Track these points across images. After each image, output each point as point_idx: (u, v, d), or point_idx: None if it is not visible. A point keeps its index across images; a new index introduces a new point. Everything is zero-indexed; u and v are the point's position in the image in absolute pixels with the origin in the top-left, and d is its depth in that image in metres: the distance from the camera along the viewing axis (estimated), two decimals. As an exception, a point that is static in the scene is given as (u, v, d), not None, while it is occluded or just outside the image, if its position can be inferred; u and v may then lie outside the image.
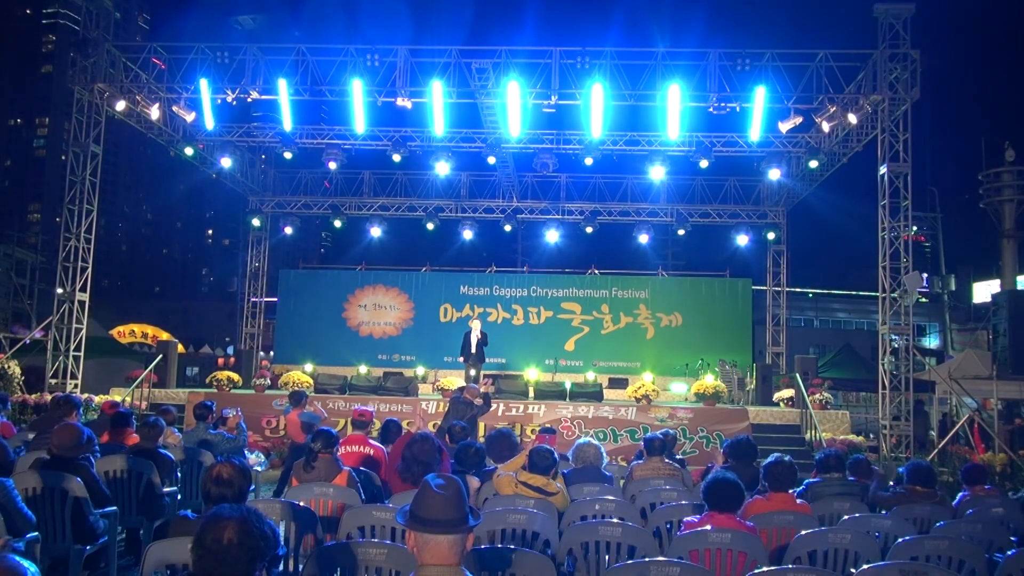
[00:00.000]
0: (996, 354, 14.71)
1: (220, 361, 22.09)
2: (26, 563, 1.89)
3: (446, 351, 17.56)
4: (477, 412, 9.24)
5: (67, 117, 14.99)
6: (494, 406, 12.54)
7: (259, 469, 8.28)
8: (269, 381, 14.50)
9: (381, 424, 7.22)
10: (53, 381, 13.28)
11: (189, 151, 15.72)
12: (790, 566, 3.75)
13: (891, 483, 6.33)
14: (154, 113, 14.43)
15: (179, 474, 6.54)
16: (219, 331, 38.83)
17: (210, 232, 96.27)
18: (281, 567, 3.84)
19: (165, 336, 26.38)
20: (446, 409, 9.34)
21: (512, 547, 3.46)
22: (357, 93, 13.13)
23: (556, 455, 5.16)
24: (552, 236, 19.06)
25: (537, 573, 3.27)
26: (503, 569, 3.27)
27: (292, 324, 19.14)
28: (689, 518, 4.17)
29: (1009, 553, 3.90)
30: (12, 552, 2.09)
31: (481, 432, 12.16)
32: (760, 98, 12.73)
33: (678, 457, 7.64)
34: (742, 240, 18.14)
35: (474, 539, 2.41)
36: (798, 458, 10.15)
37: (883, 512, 5.64)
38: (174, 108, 14.27)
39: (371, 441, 6.22)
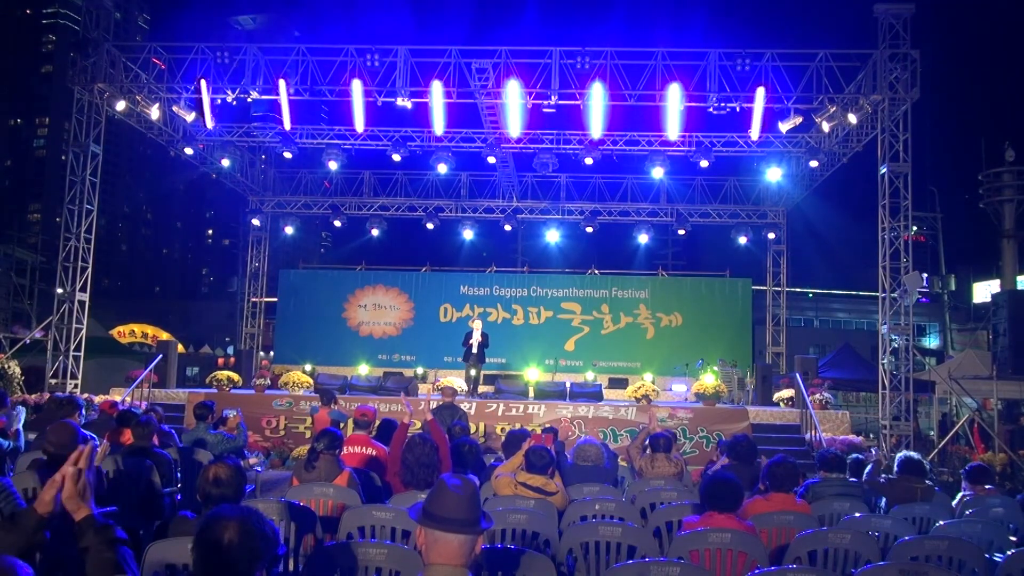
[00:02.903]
0: (996, 354, 14.68)
1: (220, 361, 22.13)
2: (22, 562, 1.90)
3: (446, 351, 17.57)
4: (463, 417, 9.12)
5: (67, 117, 15.00)
6: (494, 406, 12.55)
7: (259, 470, 8.29)
8: (269, 381, 14.49)
9: (378, 424, 7.21)
10: (53, 381, 13.28)
11: (189, 151, 15.73)
12: (790, 566, 3.75)
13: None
14: (154, 113, 14.43)
15: (179, 474, 6.54)
16: (219, 331, 38.83)
17: (210, 232, 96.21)
18: (281, 567, 3.83)
19: (165, 336, 26.40)
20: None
21: (516, 547, 3.46)
22: (357, 93, 13.13)
23: (553, 453, 5.16)
24: (552, 236, 19.06)
25: (539, 574, 3.27)
26: (506, 570, 3.27)
27: (292, 324, 19.13)
28: (689, 518, 4.17)
29: (1009, 553, 3.90)
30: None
31: (481, 432, 12.18)
32: (760, 98, 12.72)
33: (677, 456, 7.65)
34: (742, 240, 18.14)
35: (482, 541, 2.42)
36: (798, 458, 10.16)
37: (879, 502, 5.67)
38: (174, 108, 14.27)
39: (374, 441, 6.22)
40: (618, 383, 15.93)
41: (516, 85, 12.92)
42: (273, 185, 19.86)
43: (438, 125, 13.62)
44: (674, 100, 12.90)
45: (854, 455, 7.99)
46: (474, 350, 13.56)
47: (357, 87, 13.08)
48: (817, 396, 12.79)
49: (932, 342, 35.49)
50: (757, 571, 3.32)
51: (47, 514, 2.25)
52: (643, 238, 18.39)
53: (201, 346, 30.73)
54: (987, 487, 5.82)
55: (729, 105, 12.89)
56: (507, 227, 19.19)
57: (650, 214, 18.83)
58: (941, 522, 4.74)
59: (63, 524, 4.29)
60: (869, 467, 6.65)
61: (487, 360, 14.35)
